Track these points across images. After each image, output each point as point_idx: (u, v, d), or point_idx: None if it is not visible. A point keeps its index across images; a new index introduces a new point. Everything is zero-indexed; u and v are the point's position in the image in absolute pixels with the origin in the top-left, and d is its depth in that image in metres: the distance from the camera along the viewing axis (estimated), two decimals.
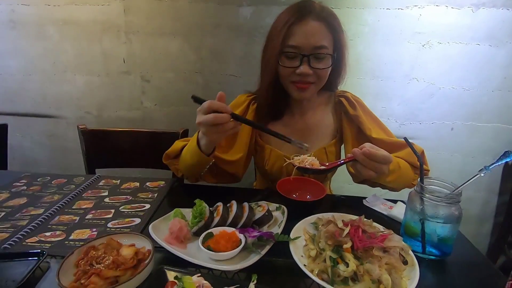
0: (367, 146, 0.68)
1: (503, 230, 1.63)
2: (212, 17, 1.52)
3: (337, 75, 0.93)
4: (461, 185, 0.61)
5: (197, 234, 0.63)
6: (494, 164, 0.57)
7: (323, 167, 0.76)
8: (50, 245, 0.62)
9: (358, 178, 0.93)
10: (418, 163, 0.83)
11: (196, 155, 0.79)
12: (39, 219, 0.71)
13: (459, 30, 1.46)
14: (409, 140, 0.69)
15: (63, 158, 1.82)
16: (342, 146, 1.01)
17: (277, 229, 0.66)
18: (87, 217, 0.73)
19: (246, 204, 0.70)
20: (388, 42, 1.51)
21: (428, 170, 0.87)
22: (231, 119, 0.69)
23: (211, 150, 0.79)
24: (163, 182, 0.93)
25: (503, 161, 0.56)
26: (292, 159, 0.79)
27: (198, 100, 0.70)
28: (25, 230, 0.66)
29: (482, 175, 0.58)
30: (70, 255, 0.54)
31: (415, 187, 0.65)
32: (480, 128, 1.60)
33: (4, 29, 1.59)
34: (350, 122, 0.94)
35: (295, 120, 0.97)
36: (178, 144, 0.91)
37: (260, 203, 0.75)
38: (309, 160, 0.77)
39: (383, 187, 0.87)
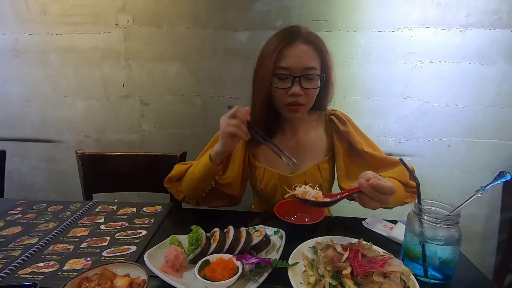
0: (372, 177, 0.65)
1: (509, 247, 1.59)
2: (210, 42, 1.57)
3: (325, 94, 0.97)
4: (459, 206, 0.60)
5: (193, 261, 0.62)
6: (490, 185, 0.57)
7: (327, 199, 0.70)
8: (42, 276, 0.61)
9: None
10: (410, 181, 0.84)
11: (207, 167, 0.84)
12: (32, 249, 0.69)
13: (449, 50, 1.50)
14: (403, 160, 0.69)
15: (61, 182, 1.81)
16: None
17: (275, 255, 0.65)
18: (82, 246, 0.72)
19: (243, 229, 0.69)
20: (381, 62, 1.54)
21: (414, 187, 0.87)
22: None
23: (220, 161, 0.85)
24: (160, 207, 0.92)
25: (499, 182, 0.56)
26: (294, 189, 0.74)
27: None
28: (18, 261, 0.65)
29: (479, 195, 0.58)
30: (63, 287, 0.52)
31: (413, 208, 0.65)
32: (478, 144, 1.61)
33: (7, 57, 1.63)
34: (341, 138, 0.97)
35: (287, 139, 1.00)
36: (181, 167, 0.94)
37: (258, 227, 0.74)
38: (312, 193, 0.71)
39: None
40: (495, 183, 0.56)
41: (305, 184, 0.94)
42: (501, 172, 0.56)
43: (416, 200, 0.64)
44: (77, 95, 1.68)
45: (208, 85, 1.63)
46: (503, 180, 0.55)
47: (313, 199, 0.70)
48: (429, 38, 1.49)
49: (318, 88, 0.89)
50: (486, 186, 0.57)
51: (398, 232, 0.78)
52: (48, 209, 0.90)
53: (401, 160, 0.68)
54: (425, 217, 0.61)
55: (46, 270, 0.63)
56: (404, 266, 0.58)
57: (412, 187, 0.85)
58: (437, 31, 1.48)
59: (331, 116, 0.99)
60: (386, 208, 0.84)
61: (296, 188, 0.73)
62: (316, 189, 0.72)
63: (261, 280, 0.57)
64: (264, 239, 0.67)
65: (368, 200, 0.66)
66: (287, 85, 0.85)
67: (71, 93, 1.68)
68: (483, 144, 1.60)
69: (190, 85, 1.64)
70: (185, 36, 1.57)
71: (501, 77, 1.52)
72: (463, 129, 1.60)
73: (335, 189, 1.06)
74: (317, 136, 1.01)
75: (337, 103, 1.05)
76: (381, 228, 0.83)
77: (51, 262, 0.65)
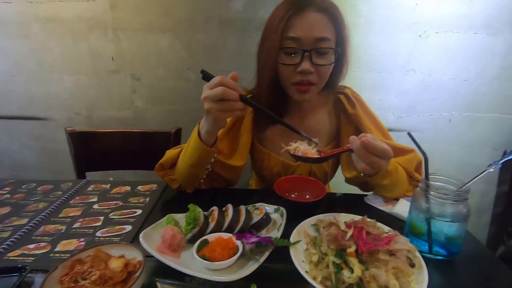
0: (369, 136, 0.60)
1: (503, 220, 1.62)
2: (203, 11, 1.47)
3: (338, 73, 0.86)
4: (469, 182, 0.58)
5: (191, 241, 0.60)
6: (505, 159, 0.54)
7: (317, 156, 0.69)
8: (33, 258, 0.58)
9: (351, 180, 0.89)
10: (415, 174, 0.80)
11: (197, 149, 0.72)
12: (22, 230, 0.66)
13: (455, 19, 1.43)
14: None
15: (53, 161, 1.76)
16: None
17: (276, 233, 0.63)
18: (74, 226, 0.69)
19: (242, 208, 0.66)
20: (384, 33, 1.47)
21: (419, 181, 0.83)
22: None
23: (213, 140, 0.74)
24: (156, 185, 0.89)
25: None
26: (290, 145, 0.72)
27: (207, 76, 0.64)
28: (7, 243, 0.62)
29: (491, 170, 0.55)
30: (54, 270, 0.49)
31: (420, 184, 0.62)
32: (478, 119, 1.58)
33: None
34: (349, 121, 0.89)
35: (295, 122, 0.91)
36: (172, 152, 0.83)
37: (258, 205, 0.71)
38: (301, 149, 0.69)
39: (375, 191, 0.83)
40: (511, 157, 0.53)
41: (311, 172, 0.91)
42: None
43: (424, 175, 0.62)
44: (64, 70, 1.59)
45: (202, 58, 1.55)
46: None
47: (300, 155, 0.68)
48: (435, 6, 1.41)
49: (332, 65, 0.78)
50: (500, 160, 0.54)
51: (401, 208, 0.76)
52: (38, 189, 0.87)
53: (409, 134, 0.64)
54: (432, 193, 0.59)
55: (37, 251, 0.60)
56: (410, 243, 0.56)
57: (417, 180, 0.80)
58: None
59: (340, 96, 0.90)
60: (384, 197, 0.82)
61: (291, 144, 0.71)
62: (313, 147, 0.70)
63: (262, 259, 0.55)
64: (265, 217, 0.65)
65: (357, 160, 0.61)
66: (296, 61, 0.75)
67: (58, 68, 1.59)
68: (484, 119, 1.58)
69: (183, 58, 1.55)
70: (176, 5, 1.47)
71: (507, 48, 1.46)
72: (464, 103, 1.56)
73: (339, 179, 1.03)
74: (325, 119, 0.93)
75: None
76: (383, 204, 0.81)
77: (42, 243, 0.63)
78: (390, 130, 1.52)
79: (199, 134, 0.73)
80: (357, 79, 1.53)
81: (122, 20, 1.50)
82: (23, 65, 1.59)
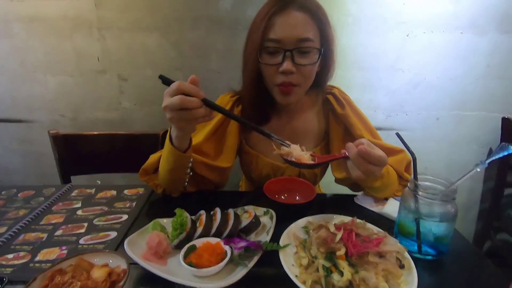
0: (365, 143, 0.59)
1: (489, 216, 1.65)
2: (191, 10, 1.45)
3: (325, 73, 0.85)
4: (456, 181, 0.58)
5: (178, 247, 0.58)
6: (491, 158, 0.54)
7: (311, 162, 0.67)
8: (11, 269, 0.55)
9: (341, 181, 0.89)
10: (404, 174, 0.80)
11: (171, 155, 0.70)
12: (1, 239, 0.63)
13: (442, 19, 1.44)
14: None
15: (38, 164, 1.71)
16: None
17: (265, 237, 0.62)
18: (56, 234, 0.66)
19: (231, 211, 0.65)
20: (372, 32, 1.48)
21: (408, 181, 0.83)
22: (203, 106, 0.60)
23: (186, 145, 0.71)
24: (142, 189, 0.87)
25: (501, 155, 0.53)
26: (281, 149, 0.70)
27: (166, 81, 0.61)
28: None
29: (478, 170, 0.55)
30: (33, 281, 0.47)
31: (408, 184, 0.62)
32: (465, 117, 1.61)
33: None
34: (338, 121, 0.88)
35: (283, 124, 0.91)
36: (154, 156, 0.81)
37: (247, 208, 0.70)
38: (295, 154, 0.67)
39: (366, 192, 0.83)
40: (497, 157, 0.53)
41: (300, 174, 0.90)
42: (502, 144, 0.52)
43: (412, 176, 0.61)
44: (48, 70, 1.55)
45: (191, 58, 1.52)
46: (506, 153, 0.52)
47: (294, 160, 0.66)
48: (422, 5, 1.42)
49: (315, 65, 0.77)
50: (486, 160, 0.54)
51: (390, 208, 0.76)
52: (19, 195, 0.83)
53: (397, 134, 0.64)
54: (421, 193, 0.58)
55: (16, 262, 0.58)
56: (399, 244, 0.56)
57: (406, 181, 0.80)
58: None
59: (328, 96, 0.89)
60: (374, 197, 0.82)
61: (283, 148, 0.69)
62: (303, 150, 0.68)
63: (250, 264, 0.54)
64: (253, 220, 0.64)
65: (352, 167, 0.60)
66: (277, 61, 0.73)
67: (41, 68, 1.54)
68: (470, 117, 1.61)
69: (172, 58, 1.53)
70: (163, 3, 1.44)
71: (493, 47, 1.49)
72: (452, 102, 1.59)
73: (325, 179, 1.03)
74: (313, 118, 0.92)
75: None
76: (372, 205, 0.81)
77: (21, 253, 0.60)
78: (379, 129, 1.53)
79: (170, 139, 0.70)
80: (346, 79, 1.53)
81: (108, 19, 1.46)
82: (4, 65, 1.53)
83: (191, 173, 0.78)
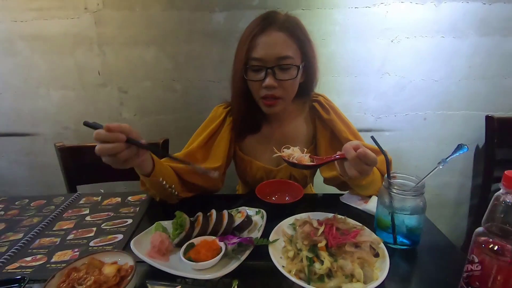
0: (361, 146, 0.64)
1: (479, 211, 1.72)
2: (186, 24, 1.53)
3: (309, 83, 0.93)
4: (423, 178, 0.65)
5: (179, 245, 0.65)
6: (450, 157, 0.61)
7: (312, 163, 0.73)
8: (31, 270, 0.62)
9: (329, 181, 0.95)
10: (386, 173, 0.87)
11: (143, 179, 0.77)
12: (18, 244, 0.70)
13: (424, 25, 1.52)
14: (377, 141, 0.71)
15: (44, 176, 1.78)
16: None
17: (257, 233, 0.69)
18: (68, 238, 0.73)
19: (225, 212, 0.72)
20: (359, 39, 1.55)
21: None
22: (127, 147, 0.62)
23: (148, 170, 0.74)
24: (145, 196, 0.94)
25: (457, 154, 0.60)
26: (282, 151, 0.76)
27: (92, 126, 0.64)
28: (5, 257, 0.66)
29: (441, 167, 0.63)
30: (51, 279, 0.54)
31: (383, 182, 0.69)
32: (451, 116, 1.68)
33: None
34: (324, 126, 0.95)
35: (273, 131, 0.98)
36: None
37: (240, 209, 0.77)
38: (296, 156, 0.74)
39: (352, 191, 0.89)
40: (455, 155, 0.61)
41: (291, 176, 0.97)
42: (459, 144, 0.60)
43: (386, 175, 0.68)
44: (51, 85, 1.62)
45: (187, 69, 1.60)
46: (461, 152, 0.60)
47: (296, 162, 0.72)
48: (404, 13, 1.50)
49: (296, 79, 0.84)
50: (446, 158, 0.62)
51: (372, 205, 0.83)
52: (31, 204, 0.90)
53: (372, 137, 0.71)
54: (394, 190, 0.65)
55: (34, 263, 0.64)
56: (374, 235, 0.63)
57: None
58: (412, 6, 1.49)
59: (314, 104, 0.97)
60: (359, 195, 0.88)
61: (284, 150, 0.76)
62: (304, 152, 0.75)
63: (243, 257, 0.61)
64: (246, 219, 0.71)
65: (349, 167, 0.66)
66: (260, 77, 0.81)
67: (44, 83, 1.62)
68: (456, 116, 1.68)
69: (169, 70, 1.60)
70: (159, 19, 1.52)
71: (473, 49, 1.56)
72: (437, 102, 1.66)
73: (318, 179, 1.09)
74: (301, 124, 0.99)
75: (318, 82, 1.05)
76: (357, 202, 0.87)
77: (38, 255, 0.67)
78: (370, 130, 1.60)
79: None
80: (336, 84, 1.61)
81: (107, 35, 1.54)
82: (9, 82, 1.61)
83: (175, 191, 0.82)
